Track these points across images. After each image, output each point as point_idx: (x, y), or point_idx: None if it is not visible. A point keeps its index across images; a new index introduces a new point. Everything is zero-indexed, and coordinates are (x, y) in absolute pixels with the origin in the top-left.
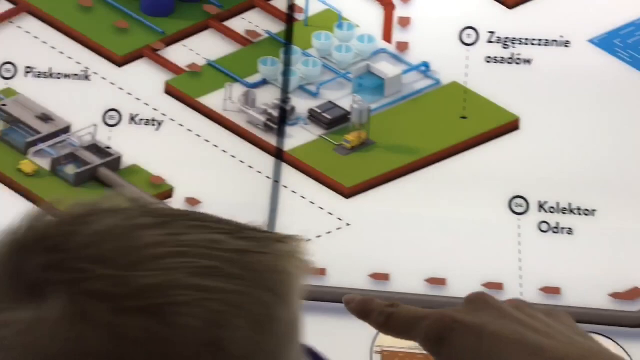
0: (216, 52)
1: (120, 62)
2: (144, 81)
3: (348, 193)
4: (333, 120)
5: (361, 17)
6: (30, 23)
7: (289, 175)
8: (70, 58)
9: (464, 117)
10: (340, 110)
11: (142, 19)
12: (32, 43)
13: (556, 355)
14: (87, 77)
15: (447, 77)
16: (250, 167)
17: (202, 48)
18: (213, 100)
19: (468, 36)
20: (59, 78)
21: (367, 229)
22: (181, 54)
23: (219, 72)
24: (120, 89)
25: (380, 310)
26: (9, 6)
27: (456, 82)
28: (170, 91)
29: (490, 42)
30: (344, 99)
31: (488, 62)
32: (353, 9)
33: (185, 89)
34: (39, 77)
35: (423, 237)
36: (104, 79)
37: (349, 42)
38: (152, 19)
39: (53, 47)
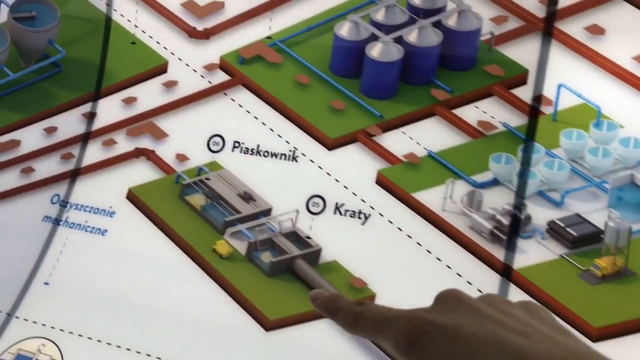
0: (440, 143)
1: (331, 145)
2: (354, 168)
3: (595, 335)
4: (580, 238)
5: (626, 116)
6: (243, 96)
7: (518, 299)
8: (279, 136)
9: None
10: (590, 227)
11: (361, 101)
12: (243, 117)
13: (538, 358)
14: (294, 158)
15: None
16: (469, 282)
17: (423, 137)
18: (431, 197)
19: None
20: (265, 156)
21: None
22: (399, 141)
23: (441, 166)
24: (328, 174)
25: (348, 309)
26: (225, 78)
27: None
28: (382, 182)
29: None
30: (596, 213)
31: None
32: (616, 105)
33: (399, 181)
34: (245, 153)
35: None
36: (312, 161)
37: (608, 145)
38: (372, 101)
39: (264, 123)
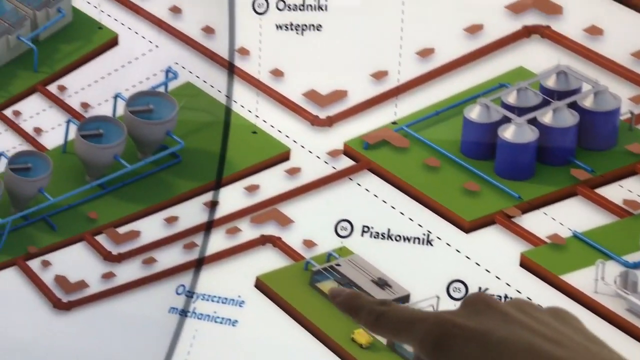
0: (585, 223)
1: (467, 228)
2: (495, 251)
3: None
4: None
5: None
6: (370, 180)
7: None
8: (411, 220)
9: None
10: None
11: (496, 182)
12: (371, 201)
13: None
14: (429, 242)
15: None
16: None
17: (567, 217)
18: (580, 279)
19: None
20: (397, 240)
21: None
22: (541, 222)
23: (589, 247)
24: (467, 257)
25: (370, 308)
26: (350, 163)
27: None
28: (526, 264)
29: None
30: None
31: None
32: None
33: (545, 263)
34: (376, 237)
35: None
36: (448, 245)
37: None
38: (508, 182)
39: (393, 207)
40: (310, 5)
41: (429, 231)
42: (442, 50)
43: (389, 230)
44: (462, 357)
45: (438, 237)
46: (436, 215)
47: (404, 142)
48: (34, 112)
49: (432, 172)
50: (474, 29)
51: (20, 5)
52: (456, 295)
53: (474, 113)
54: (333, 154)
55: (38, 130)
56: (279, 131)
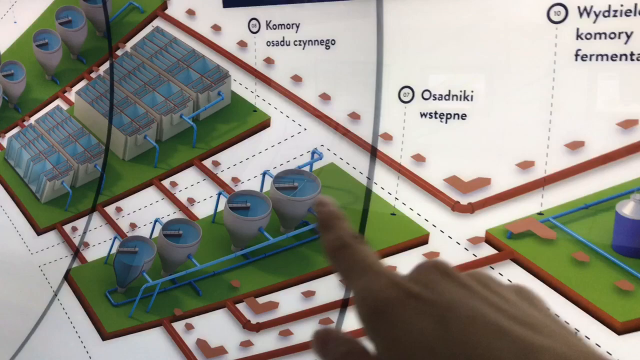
0: None
1: (620, 330)
2: None
3: None
4: None
5: None
6: (513, 271)
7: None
8: (557, 316)
9: None
10: None
11: None
12: None
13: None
14: None
15: None
16: None
17: None
18: None
19: None
20: None
21: None
22: None
23: None
24: None
25: (338, 235)
26: (491, 251)
27: None
28: None
29: None
30: None
31: None
32: None
33: None
34: None
35: None
36: (598, 345)
37: None
38: None
39: None
40: (456, 95)
41: (576, 329)
42: (592, 143)
43: None
44: (407, 333)
45: (586, 337)
46: (585, 313)
47: (551, 233)
48: (189, 183)
49: (580, 267)
50: (627, 124)
51: (186, 88)
52: None
53: (628, 209)
54: (474, 241)
55: (191, 200)
56: (418, 214)
